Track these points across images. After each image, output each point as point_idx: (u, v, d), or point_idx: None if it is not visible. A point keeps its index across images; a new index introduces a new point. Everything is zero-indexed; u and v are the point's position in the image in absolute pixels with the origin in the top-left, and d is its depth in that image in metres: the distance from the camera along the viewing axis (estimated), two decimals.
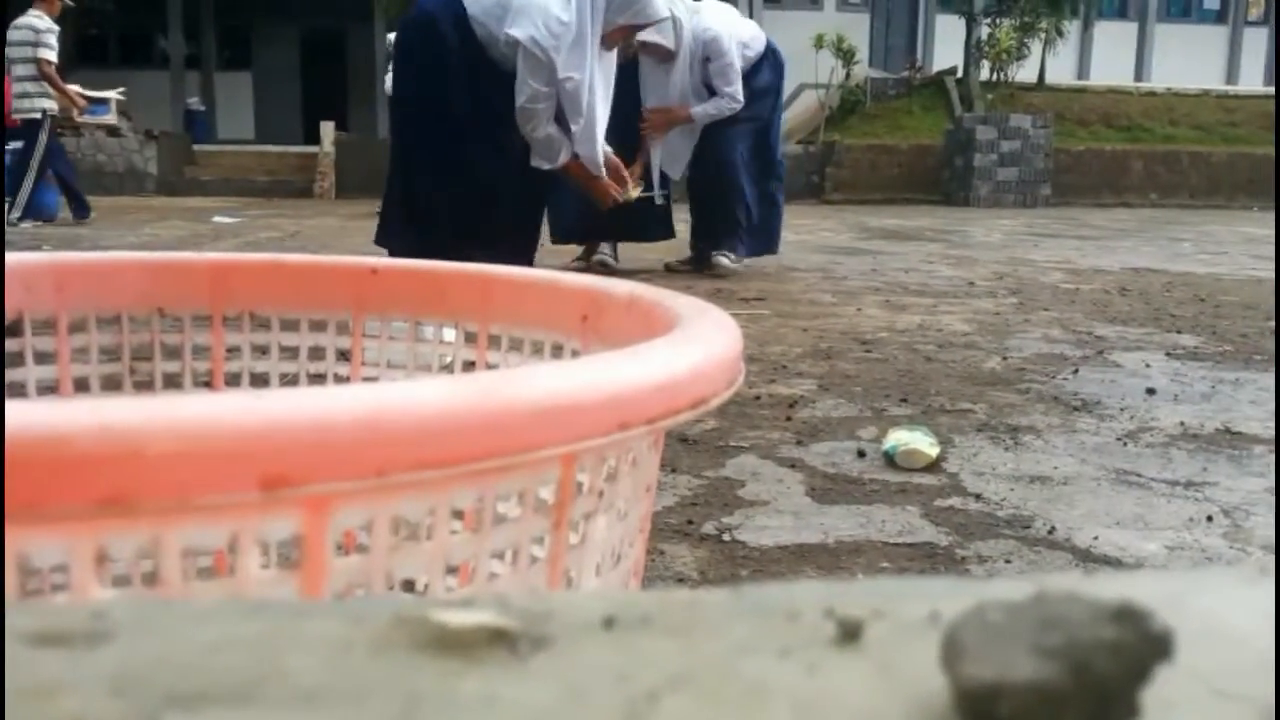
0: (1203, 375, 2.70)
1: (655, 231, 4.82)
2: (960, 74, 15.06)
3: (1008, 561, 1.44)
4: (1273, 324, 3.44)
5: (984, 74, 14.98)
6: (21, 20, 7.53)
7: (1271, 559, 1.45)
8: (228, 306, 0.93)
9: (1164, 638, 0.18)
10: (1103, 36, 18.50)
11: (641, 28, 3.74)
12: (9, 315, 0.88)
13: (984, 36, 14.98)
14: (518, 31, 3.35)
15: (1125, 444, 2.03)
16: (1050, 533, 1.55)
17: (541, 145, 3.48)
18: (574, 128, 3.49)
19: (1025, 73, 15.08)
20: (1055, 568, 1.43)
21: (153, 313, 0.93)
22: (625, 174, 3.93)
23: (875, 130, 14.12)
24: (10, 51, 7.47)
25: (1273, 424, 2.16)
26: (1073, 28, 16.32)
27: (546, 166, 3.49)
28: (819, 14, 16.92)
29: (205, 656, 0.21)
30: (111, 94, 8.11)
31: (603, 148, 3.67)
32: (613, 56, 3.61)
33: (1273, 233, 5.45)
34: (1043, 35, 14.78)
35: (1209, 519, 1.61)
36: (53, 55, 7.49)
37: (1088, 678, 0.17)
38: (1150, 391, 2.48)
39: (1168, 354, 2.99)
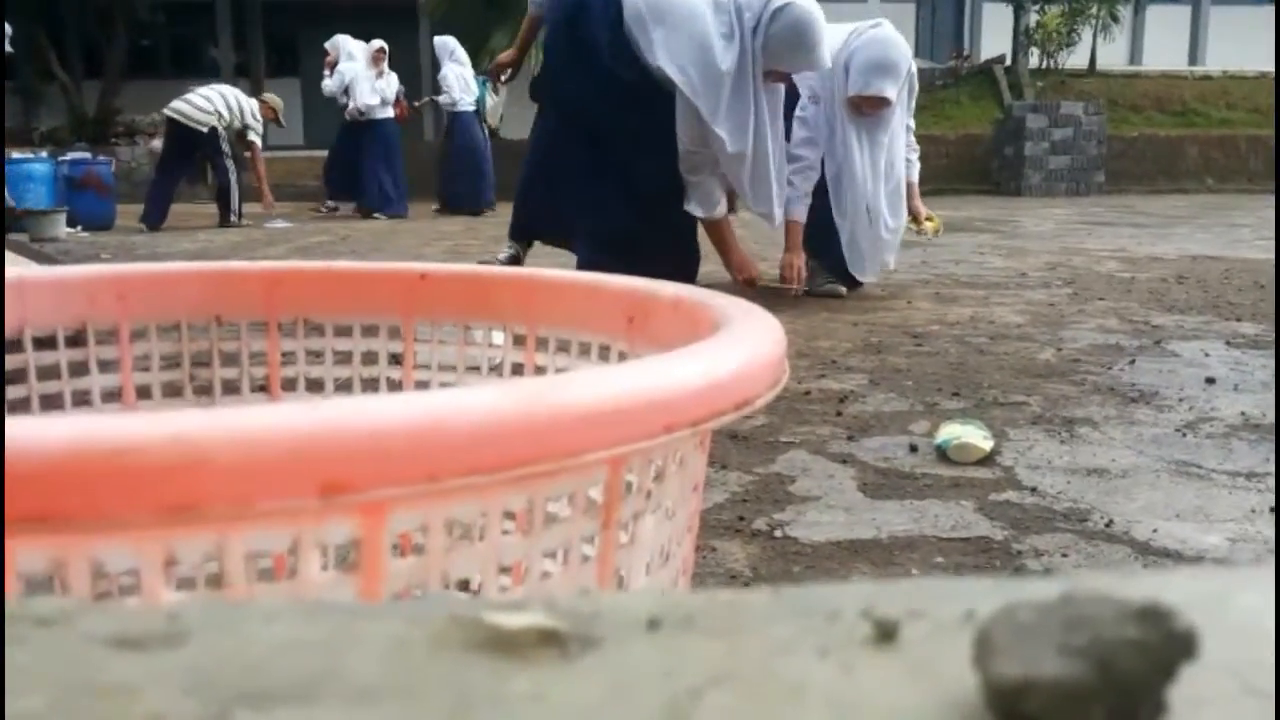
0: (1264, 364, 2.64)
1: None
2: (1009, 62, 14.86)
3: (1065, 555, 1.43)
4: None
5: (1033, 61, 14.76)
6: (240, 93, 8.43)
7: None
8: (282, 313, 0.96)
9: (1188, 636, 0.18)
10: (1155, 20, 18.15)
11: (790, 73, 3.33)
12: (73, 325, 0.91)
13: (1032, 23, 14.76)
14: (669, 67, 2.98)
15: (1184, 435, 1.99)
16: (1108, 526, 1.53)
17: (699, 193, 3.20)
18: (745, 185, 3.20)
19: (1076, 59, 14.83)
20: (1113, 561, 1.41)
21: (211, 320, 0.95)
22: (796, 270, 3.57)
23: (923, 121, 13.89)
24: (207, 90, 8.25)
25: None
26: (1124, 12, 16.03)
27: (701, 215, 3.19)
28: (864, 5, 16.76)
29: (272, 656, 0.22)
30: (280, 222, 8.77)
31: (782, 200, 3.27)
32: (779, 89, 3.22)
33: None
34: (1093, 21, 14.53)
35: (1271, 509, 1.58)
36: (259, 140, 8.50)
37: (1113, 676, 0.17)
38: (1210, 381, 2.43)
39: (1227, 343, 2.94)
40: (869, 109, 3.57)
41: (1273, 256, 5.24)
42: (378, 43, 9.44)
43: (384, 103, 9.36)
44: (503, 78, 3.91)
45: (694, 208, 3.23)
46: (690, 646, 0.22)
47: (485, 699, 0.21)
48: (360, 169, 9.36)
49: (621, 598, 0.25)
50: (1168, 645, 0.18)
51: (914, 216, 3.98)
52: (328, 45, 9.65)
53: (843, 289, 3.97)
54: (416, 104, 10.69)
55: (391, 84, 9.43)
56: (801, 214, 3.62)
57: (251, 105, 8.41)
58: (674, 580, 0.60)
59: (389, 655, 0.22)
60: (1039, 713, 0.17)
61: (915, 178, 4.00)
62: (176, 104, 8.09)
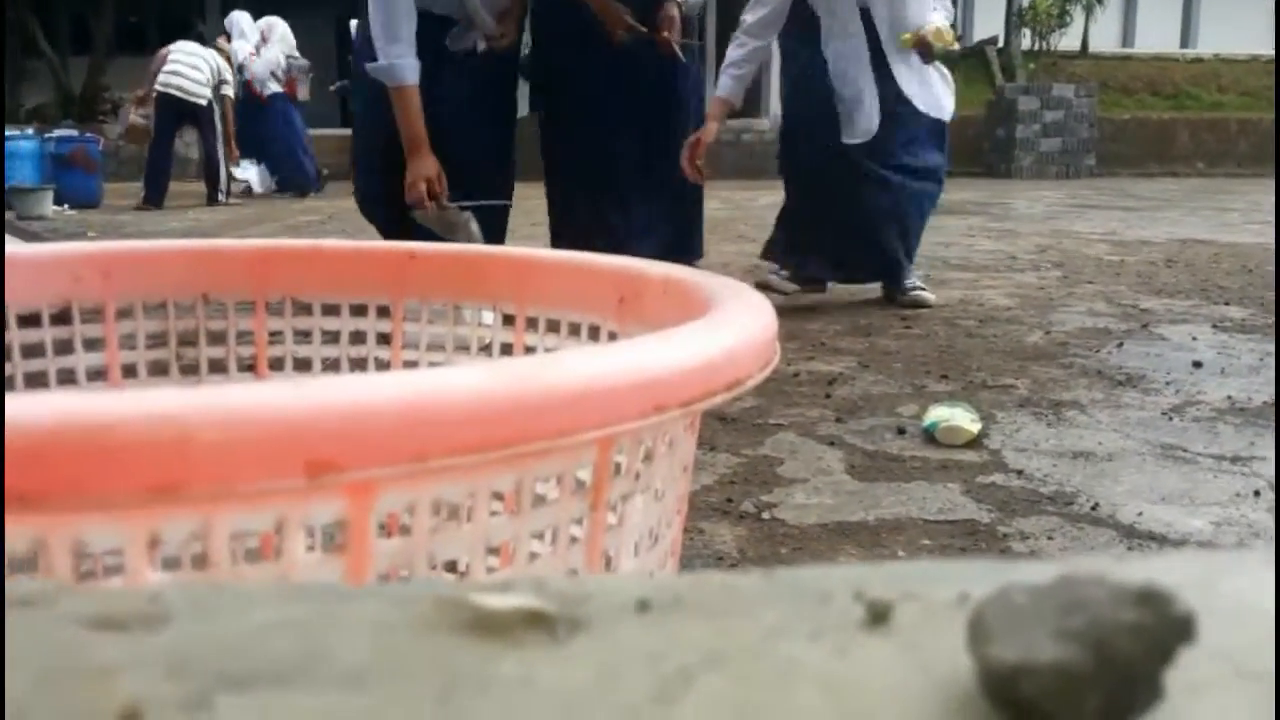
0: (1251, 348, 2.66)
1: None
2: (1001, 43, 14.83)
3: (1050, 538, 1.43)
4: None
5: (1025, 43, 14.74)
6: (207, 50, 8.42)
7: None
8: (270, 292, 0.95)
9: (1186, 620, 0.18)
10: (1147, 2, 18.13)
11: None
12: (58, 304, 0.90)
13: (1025, 4, 14.73)
14: None
15: (1171, 418, 2.00)
16: (1094, 509, 1.54)
17: None
18: None
19: (1068, 41, 14.82)
20: (1099, 544, 1.42)
21: (197, 299, 0.95)
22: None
23: None
24: (187, 57, 8.22)
25: None
26: None
27: None
28: None
29: (255, 639, 0.22)
30: (247, 174, 8.79)
31: None
32: None
33: None
34: (1084, 2, 14.52)
35: (1256, 494, 1.59)
36: (231, 94, 8.55)
37: (1109, 659, 0.17)
38: (1197, 365, 2.44)
39: (1215, 326, 2.95)
40: None
41: (1262, 240, 5.25)
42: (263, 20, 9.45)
43: (257, 80, 9.19)
44: None
45: None
46: (680, 629, 0.22)
47: (472, 681, 0.20)
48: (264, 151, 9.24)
49: (610, 580, 0.25)
50: (1165, 629, 0.18)
51: (915, 34, 3.00)
52: (226, 23, 9.56)
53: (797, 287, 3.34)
54: (333, 87, 10.66)
55: (268, 60, 9.31)
56: (726, 88, 3.07)
57: (219, 59, 8.39)
58: (662, 562, 0.60)
59: (374, 637, 0.22)
60: (1035, 697, 0.17)
61: (932, 17, 3.05)
62: (171, 79, 8.03)
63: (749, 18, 3.06)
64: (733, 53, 3.08)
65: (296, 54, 9.56)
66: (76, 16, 15.02)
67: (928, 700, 0.19)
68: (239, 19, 9.49)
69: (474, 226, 2.53)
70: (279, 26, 9.51)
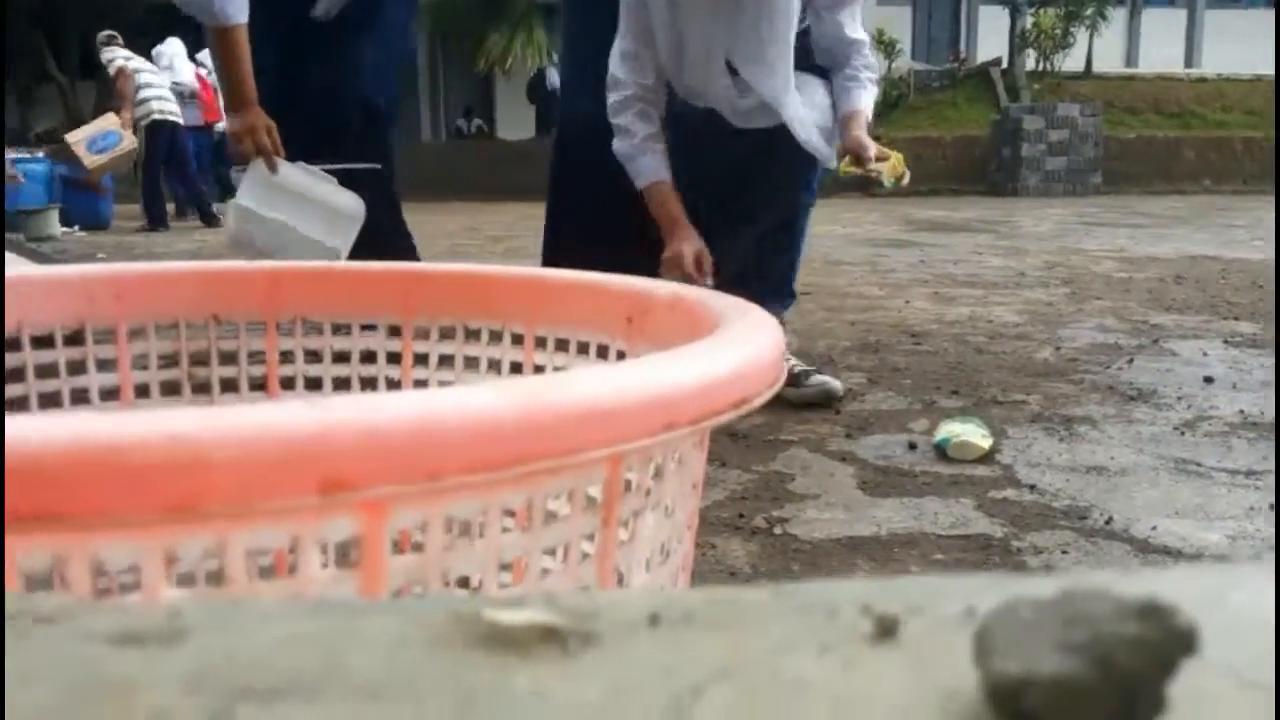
0: (1262, 363, 2.65)
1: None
2: (1005, 64, 14.88)
3: (1064, 553, 1.43)
4: None
5: (1030, 64, 14.78)
6: (131, 54, 8.41)
7: None
8: (280, 313, 0.96)
9: (1188, 633, 0.18)
10: (1151, 23, 18.18)
11: None
12: (71, 325, 0.91)
13: (1029, 25, 14.78)
14: None
15: (1183, 433, 2.00)
16: (1108, 523, 1.53)
17: None
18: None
19: (1072, 61, 14.86)
20: (1113, 559, 1.42)
21: (209, 319, 0.95)
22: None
23: (918, 123, 13.99)
24: (151, 76, 8.28)
25: None
26: (1120, 14, 16.05)
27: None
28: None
29: (273, 653, 0.22)
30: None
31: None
32: None
33: None
34: (1088, 23, 14.57)
35: (1271, 507, 1.58)
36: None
37: (1112, 672, 0.17)
38: (1208, 380, 2.44)
39: (1225, 341, 2.94)
40: None
41: (1270, 256, 5.24)
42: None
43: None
44: None
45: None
46: (691, 643, 0.22)
47: (487, 695, 0.21)
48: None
49: (622, 594, 0.25)
50: (1168, 642, 0.18)
51: (854, 154, 2.20)
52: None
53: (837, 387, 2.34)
54: None
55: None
56: (660, 171, 2.21)
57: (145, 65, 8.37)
58: (674, 578, 0.60)
59: (390, 652, 0.22)
60: (1039, 709, 0.17)
61: (862, 105, 2.26)
62: (164, 105, 8.08)
63: (631, 77, 2.24)
64: (639, 125, 2.24)
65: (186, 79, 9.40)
66: (86, 41, 15.15)
67: (934, 713, 0.19)
68: (166, 46, 9.51)
69: (344, 197, 2.07)
70: (167, 55, 9.44)
